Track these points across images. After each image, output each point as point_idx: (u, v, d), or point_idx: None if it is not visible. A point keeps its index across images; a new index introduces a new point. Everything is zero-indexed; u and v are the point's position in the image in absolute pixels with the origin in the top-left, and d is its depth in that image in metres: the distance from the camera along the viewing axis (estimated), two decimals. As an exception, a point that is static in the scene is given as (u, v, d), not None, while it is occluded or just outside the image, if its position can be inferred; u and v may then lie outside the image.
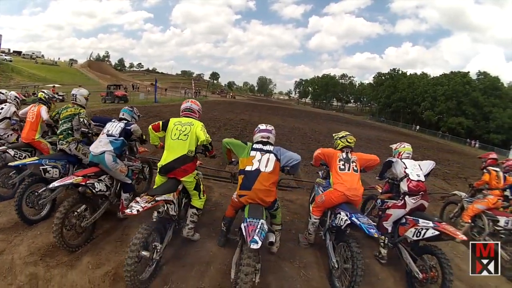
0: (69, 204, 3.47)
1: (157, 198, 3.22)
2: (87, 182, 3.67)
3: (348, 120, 45.85)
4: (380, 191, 5.19)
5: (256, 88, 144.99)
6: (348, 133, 4.39)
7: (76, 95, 4.91)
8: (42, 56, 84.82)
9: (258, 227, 2.94)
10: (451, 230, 3.42)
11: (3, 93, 6.08)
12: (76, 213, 3.58)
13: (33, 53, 77.78)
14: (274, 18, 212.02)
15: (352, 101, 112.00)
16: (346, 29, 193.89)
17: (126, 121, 4.48)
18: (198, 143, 3.79)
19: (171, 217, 3.50)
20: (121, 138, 4.25)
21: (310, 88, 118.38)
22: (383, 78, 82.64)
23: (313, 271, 3.80)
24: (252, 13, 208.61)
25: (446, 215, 6.23)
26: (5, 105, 5.60)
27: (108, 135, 4.23)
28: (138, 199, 3.10)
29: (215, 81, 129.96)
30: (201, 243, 3.98)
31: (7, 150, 4.81)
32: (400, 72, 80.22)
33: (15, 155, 4.82)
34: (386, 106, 75.28)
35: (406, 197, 4.07)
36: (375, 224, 3.84)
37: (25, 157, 4.85)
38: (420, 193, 4.06)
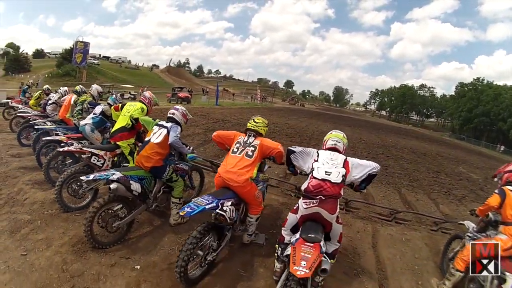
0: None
1: None
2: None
3: (420, 135, 42.13)
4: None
5: (331, 98, 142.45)
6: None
7: (92, 88, 7.43)
8: (129, 61, 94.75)
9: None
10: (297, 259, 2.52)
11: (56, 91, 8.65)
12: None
13: (119, 58, 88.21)
14: (353, 26, 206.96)
15: (433, 115, 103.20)
16: (431, 36, 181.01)
17: (108, 104, 6.13)
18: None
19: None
20: (100, 116, 5.96)
21: (386, 99, 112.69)
22: (466, 89, 72.98)
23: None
24: (331, 21, 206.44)
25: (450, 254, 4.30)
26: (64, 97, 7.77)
27: (93, 114, 6.00)
28: None
29: (289, 89, 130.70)
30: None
31: (46, 122, 7.11)
32: (485, 82, 70.09)
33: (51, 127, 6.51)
34: (467, 121, 66.50)
35: (300, 199, 3.15)
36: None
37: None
38: (319, 197, 3.00)
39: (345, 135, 3.60)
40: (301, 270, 2.39)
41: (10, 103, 12.14)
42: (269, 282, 3.36)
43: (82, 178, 3.71)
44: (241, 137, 3.87)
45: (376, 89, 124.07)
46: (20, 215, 4.15)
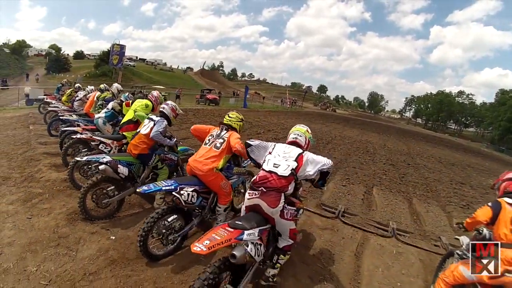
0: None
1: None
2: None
3: (455, 145, 39.89)
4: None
5: (366, 104, 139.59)
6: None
7: (113, 86, 8.61)
8: (164, 64, 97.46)
9: None
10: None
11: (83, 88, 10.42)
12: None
13: (155, 61, 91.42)
14: (391, 30, 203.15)
15: (472, 124, 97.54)
16: (473, 40, 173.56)
17: (120, 101, 6.94)
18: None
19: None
20: (111, 110, 6.75)
21: (422, 106, 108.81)
22: (507, 96, 68.38)
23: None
24: (367, 24, 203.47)
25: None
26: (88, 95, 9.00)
27: (106, 108, 6.88)
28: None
29: (322, 94, 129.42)
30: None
31: (72, 115, 8.20)
32: None
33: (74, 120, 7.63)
34: (507, 131, 62.27)
35: (247, 193, 3.15)
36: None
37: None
38: (260, 189, 2.99)
39: (308, 130, 3.65)
40: (198, 246, 2.36)
41: (45, 99, 13.46)
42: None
43: (77, 158, 4.71)
44: (215, 130, 4.13)
45: (412, 96, 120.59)
46: (34, 189, 5.15)
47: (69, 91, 11.54)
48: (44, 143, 8.24)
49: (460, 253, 3.29)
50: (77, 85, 11.49)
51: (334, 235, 5.03)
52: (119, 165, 4.35)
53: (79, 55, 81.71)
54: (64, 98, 11.29)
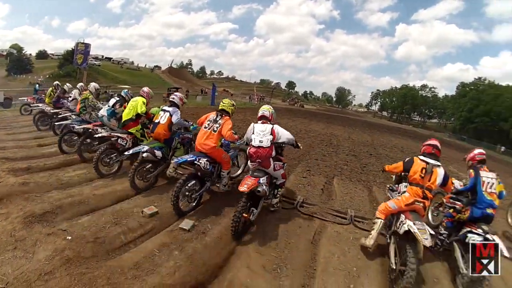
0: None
1: None
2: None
3: (419, 135, 40.91)
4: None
5: (334, 99, 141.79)
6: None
7: (90, 85, 9.18)
8: (131, 62, 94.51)
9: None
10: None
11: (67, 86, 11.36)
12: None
13: (122, 59, 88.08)
14: (358, 28, 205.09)
15: (435, 116, 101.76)
16: (436, 38, 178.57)
17: (120, 97, 7.55)
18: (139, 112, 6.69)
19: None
20: (112, 108, 7.29)
21: (387, 100, 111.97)
22: (467, 89, 72.18)
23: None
24: (336, 22, 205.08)
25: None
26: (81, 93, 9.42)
27: (107, 106, 7.42)
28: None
29: (291, 90, 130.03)
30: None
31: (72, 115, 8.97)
32: (486, 82, 69.70)
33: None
34: (468, 121, 65.18)
35: (249, 162, 5.12)
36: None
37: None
38: (257, 161, 4.78)
39: (271, 107, 5.41)
40: (243, 187, 4.36)
41: (26, 100, 14.59)
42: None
43: (125, 153, 5.95)
44: (212, 115, 5.38)
45: (378, 90, 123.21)
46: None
47: (49, 90, 12.05)
48: (3, 148, 8.25)
49: (389, 186, 5.15)
50: (55, 82, 12.54)
51: (291, 225, 5.11)
52: (155, 150, 5.80)
53: (42, 55, 77.17)
54: (47, 100, 11.80)
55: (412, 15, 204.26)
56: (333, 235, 4.97)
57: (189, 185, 4.94)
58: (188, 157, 5.01)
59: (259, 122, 5.08)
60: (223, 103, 5.51)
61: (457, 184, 4.84)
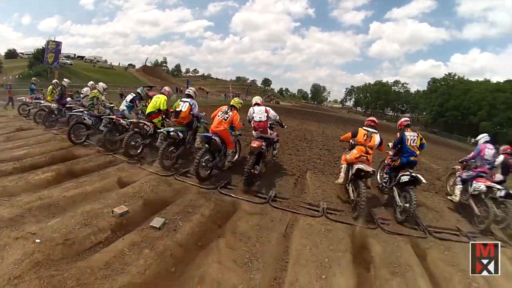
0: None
1: None
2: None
3: (392, 130, 42.26)
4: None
5: (309, 96, 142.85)
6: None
7: (99, 85, 10.69)
8: (105, 61, 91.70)
9: None
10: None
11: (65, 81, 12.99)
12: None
13: (94, 58, 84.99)
14: (333, 25, 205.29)
15: (408, 110, 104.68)
16: (409, 36, 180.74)
17: (137, 93, 9.25)
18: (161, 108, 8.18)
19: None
20: (131, 103, 9.01)
21: (361, 96, 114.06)
22: (438, 84, 74.96)
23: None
24: (311, 20, 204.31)
25: None
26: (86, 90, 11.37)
27: (125, 101, 9.12)
28: None
29: (267, 87, 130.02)
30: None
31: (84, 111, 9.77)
32: (456, 77, 72.78)
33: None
34: (439, 115, 68.00)
35: (253, 131, 7.33)
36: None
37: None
38: (260, 129, 7.03)
39: (260, 97, 8.71)
40: (254, 144, 6.57)
41: (24, 100, 14.71)
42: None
43: (158, 130, 7.75)
44: (224, 108, 7.13)
45: (352, 86, 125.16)
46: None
47: (49, 89, 13.05)
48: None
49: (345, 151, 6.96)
50: (54, 81, 13.58)
51: (262, 219, 5.18)
52: (178, 132, 7.27)
53: (11, 54, 73.72)
54: (49, 98, 12.67)
55: (385, 13, 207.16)
56: (305, 228, 5.06)
57: (204, 158, 6.58)
58: (208, 134, 6.79)
59: (255, 106, 7.44)
60: (234, 101, 7.35)
61: (390, 144, 6.99)
